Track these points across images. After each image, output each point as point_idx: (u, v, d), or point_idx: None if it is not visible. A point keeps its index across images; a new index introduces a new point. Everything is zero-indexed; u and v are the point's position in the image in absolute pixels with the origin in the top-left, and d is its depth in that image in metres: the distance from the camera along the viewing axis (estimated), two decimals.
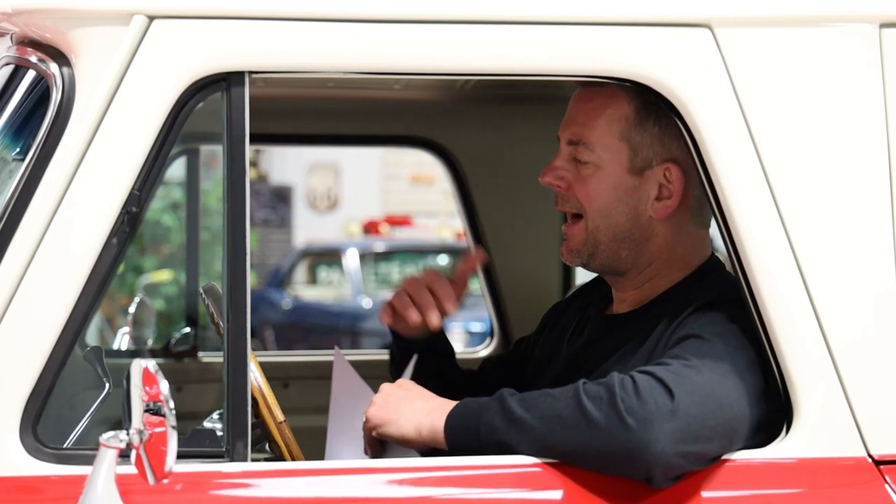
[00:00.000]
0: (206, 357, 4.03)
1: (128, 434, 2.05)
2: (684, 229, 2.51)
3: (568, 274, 3.81)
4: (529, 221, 3.75)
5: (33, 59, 2.30)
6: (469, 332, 11.24)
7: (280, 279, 15.04)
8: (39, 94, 2.29)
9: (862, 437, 2.32)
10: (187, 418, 2.47)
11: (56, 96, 2.24)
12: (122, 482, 2.07)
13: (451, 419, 2.31)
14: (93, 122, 2.21)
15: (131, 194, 2.22)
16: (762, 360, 2.31)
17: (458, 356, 2.85)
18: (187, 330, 4.05)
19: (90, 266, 2.20)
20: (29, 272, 2.19)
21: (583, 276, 2.82)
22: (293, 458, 2.38)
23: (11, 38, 2.44)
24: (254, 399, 2.30)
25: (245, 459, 2.23)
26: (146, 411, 2.04)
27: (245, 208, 2.24)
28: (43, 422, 2.21)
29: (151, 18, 2.22)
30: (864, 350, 2.32)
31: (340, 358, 2.68)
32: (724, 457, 2.28)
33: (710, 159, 2.31)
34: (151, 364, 2.05)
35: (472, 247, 3.80)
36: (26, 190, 2.21)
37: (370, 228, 17.53)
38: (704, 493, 2.26)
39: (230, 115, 2.23)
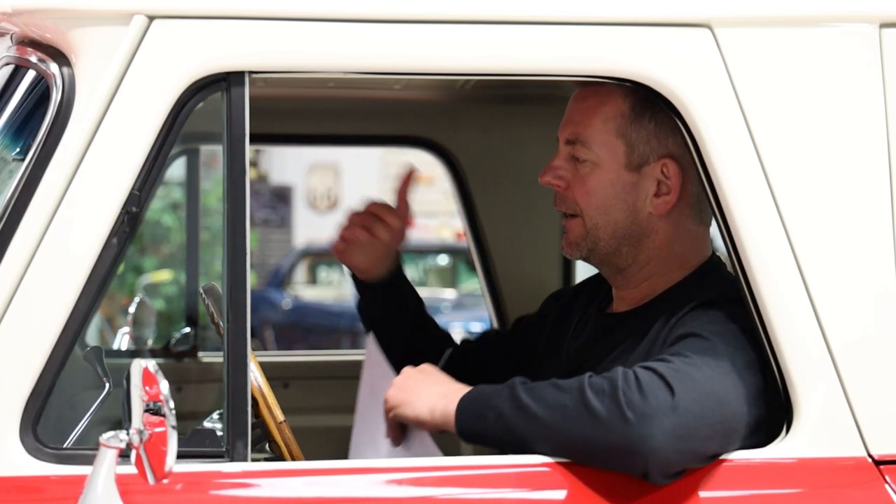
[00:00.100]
0: (206, 357, 4.03)
1: (128, 434, 2.05)
2: (683, 226, 2.51)
3: (568, 274, 3.81)
4: (529, 221, 3.74)
5: (33, 59, 2.30)
6: (469, 333, 11.23)
7: (280, 279, 15.03)
8: (39, 94, 2.29)
9: (862, 437, 2.32)
10: (187, 418, 2.47)
11: (56, 96, 2.23)
12: (122, 482, 2.07)
13: (463, 403, 2.33)
14: (93, 122, 2.21)
15: (131, 194, 2.22)
16: (762, 360, 2.32)
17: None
18: (187, 330, 4.05)
19: (90, 266, 2.20)
20: (29, 272, 2.19)
21: (583, 276, 2.83)
22: (293, 459, 2.38)
23: (11, 38, 2.43)
24: (254, 399, 2.30)
25: (245, 459, 2.23)
26: (146, 411, 2.04)
27: (245, 208, 2.24)
28: (43, 422, 2.21)
29: (151, 18, 2.22)
30: (864, 350, 2.32)
31: (373, 344, 2.75)
32: (725, 456, 2.28)
33: (710, 159, 2.31)
34: (151, 364, 2.05)
35: (472, 247, 3.80)
36: (26, 190, 2.21)
37: None
38: (704, 493, 2.26)
39: (230, 115, 2.23)
